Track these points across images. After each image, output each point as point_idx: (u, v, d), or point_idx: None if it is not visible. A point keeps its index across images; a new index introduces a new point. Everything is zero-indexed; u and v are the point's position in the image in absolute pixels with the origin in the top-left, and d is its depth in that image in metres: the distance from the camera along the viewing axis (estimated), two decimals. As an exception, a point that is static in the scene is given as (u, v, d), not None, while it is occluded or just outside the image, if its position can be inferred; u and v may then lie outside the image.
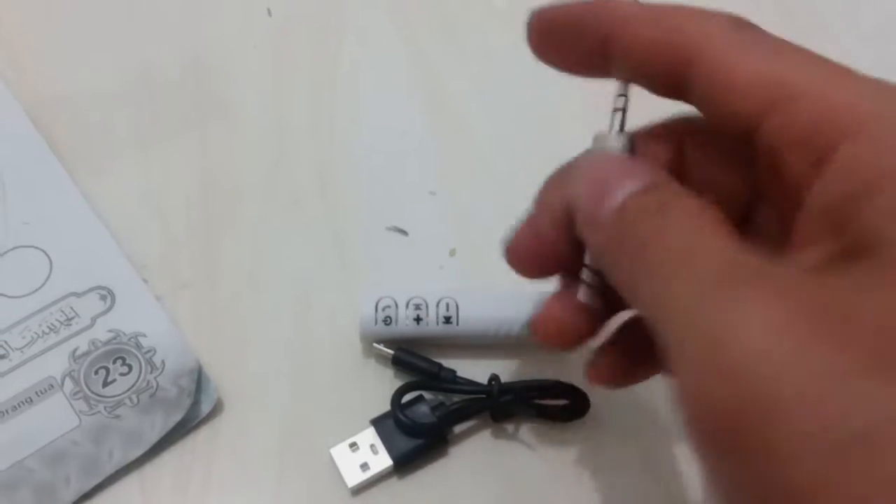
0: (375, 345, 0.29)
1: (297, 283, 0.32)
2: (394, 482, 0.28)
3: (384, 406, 0.28)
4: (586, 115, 0.37)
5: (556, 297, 0.24)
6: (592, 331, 0.24)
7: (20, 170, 0.33)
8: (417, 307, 0.29)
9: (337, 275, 0.32)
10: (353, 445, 0.28)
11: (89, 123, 0.35)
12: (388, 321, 0.29)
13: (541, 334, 0.24)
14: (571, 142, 0.36)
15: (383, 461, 0.27)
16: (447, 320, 0.29)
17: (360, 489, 0.27)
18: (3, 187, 0.32)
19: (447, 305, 0.29)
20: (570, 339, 0.24)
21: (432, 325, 0.29)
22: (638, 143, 0.23)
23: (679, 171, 0.22)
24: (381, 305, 0.29)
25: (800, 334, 0.15)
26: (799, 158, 0.18)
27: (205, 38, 0.38)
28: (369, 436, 0.28)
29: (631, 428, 0.29)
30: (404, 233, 0.33)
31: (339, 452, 0.28)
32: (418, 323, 0.29)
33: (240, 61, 0.38)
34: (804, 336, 0.15)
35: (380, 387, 0.29)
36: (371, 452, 0.27)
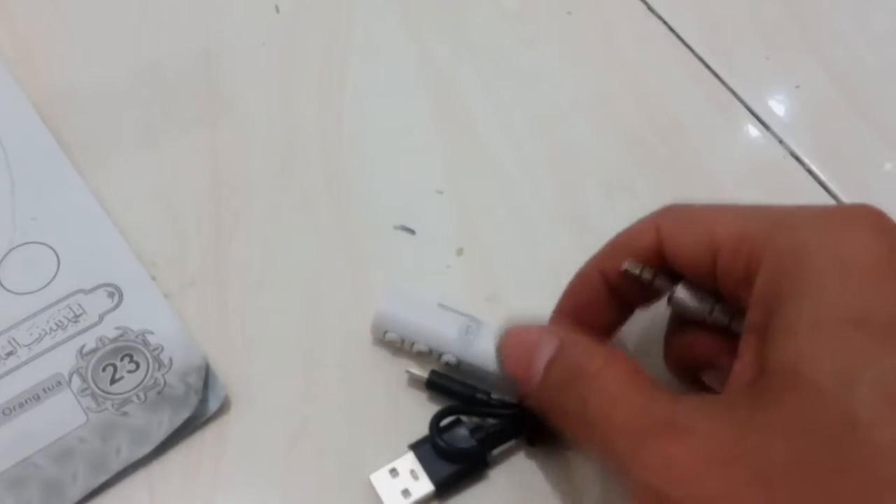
0: (408, 369, 0.29)
1: (305, 281, 0.32)
2: None
3: (418, 429, 0.28)
4: (593, 114, 0.37)
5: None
6: None
7: (29, 166, 0.33)
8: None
9: (345, 273, 0.32)
10: (393, 471, 0.27)
11: (99, 120, 0.35)
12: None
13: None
14: (578, 141, 0.36)
15: (424, 487, 0.27)
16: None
17: None
18: (11, 184, 0.32)
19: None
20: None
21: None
22: None
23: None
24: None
25: (716, 477, 0.19)
26: (742, 286, 0.23)
27: (213, 36, 0.38)
28: (409, 461, 0.27)
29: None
30: (412, 232, 0.33)
31: (380, 479, 0.27)
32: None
33: (248, 58, 0.38)
34: (721, 479, 0.19)
35: (414, 410, 0.29)
36: (411, 478, 0.27)
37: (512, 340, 0.26)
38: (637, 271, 0.26)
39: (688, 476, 0.19)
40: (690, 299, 0.25)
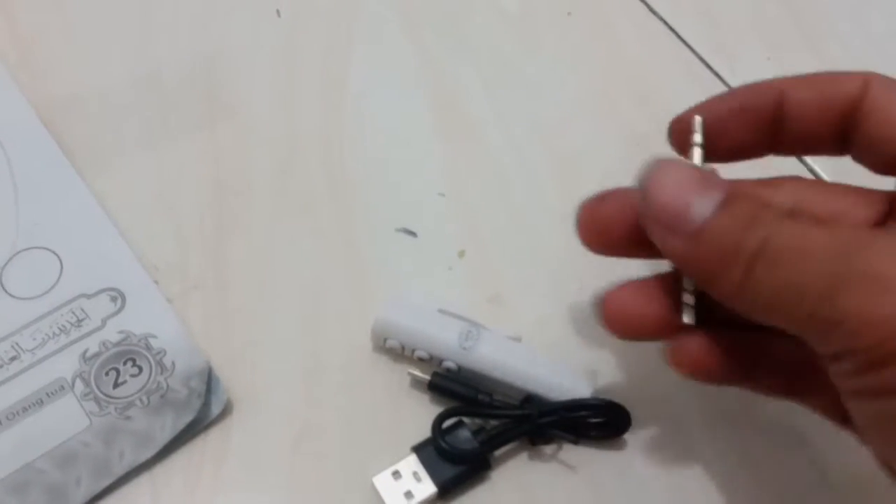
0: (410, 371, 0.29)
1: (307, 285, 0.32)
2: None
3: (420, 431, 0.28)
4: (593, 115, 0.37)
5: (633, 287, 0.25)
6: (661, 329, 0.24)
7: (31, 171, 0.33)
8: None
9: (347, 276, 0.32)
10: (396, 474, 0.27)
11: (101, 125, 0.35)
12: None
13: (611, 324, 0.24)
14: (579, 142, 0.36)
15: (427, 489, 0.27)
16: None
17: None
18: (14, 189, 0.33)
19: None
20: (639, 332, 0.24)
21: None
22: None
23: None
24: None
25: None
26: None
27: (215, 41, 0.38)
28: (412, 463, 0.27)
29: (673, 442, 0.29)
30: (414, 234, 0.33)
31: (382, 481, 0.27)
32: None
33: (249, 63, 0.38)
34: None
35: (416, 412, 0.29)
36: (414, 480, 0.27)
37: (666, 176, 0.22)
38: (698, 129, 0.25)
39: None
40: None
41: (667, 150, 0.35)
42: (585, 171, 0.35)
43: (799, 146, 0.25)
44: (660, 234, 0.22)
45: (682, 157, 0.25)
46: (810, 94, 0.23)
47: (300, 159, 0.35)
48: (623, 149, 0.36)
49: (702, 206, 0.21)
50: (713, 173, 0.22)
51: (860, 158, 0.24)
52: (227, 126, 0.36)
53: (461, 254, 0.33)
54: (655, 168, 0.22)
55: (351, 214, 0.34)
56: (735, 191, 0.21)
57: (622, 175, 0.35)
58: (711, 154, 0.24)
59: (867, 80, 0.23)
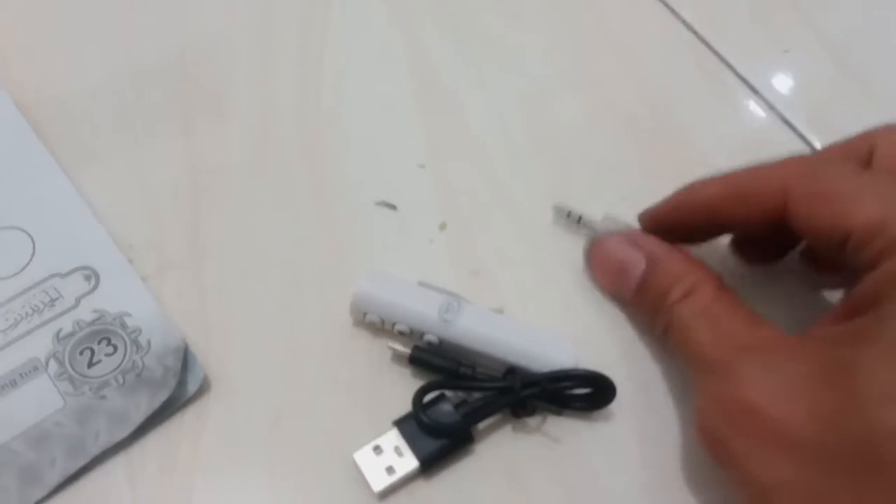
0: (391, 345, 0.28)
1: (284, 260, 0.31)
2: (420, 484, 0.27)
3: (401, 406, 0.27)
4: (577, 86, 0.37)
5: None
6: None
7: (3, 151, 0.33)
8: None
9: (326, 251, 0.31)
10: (377, 449, 0.27)
11: (74, 106, 0.35)
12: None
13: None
14: (563, 114, 0.35)
15: (409, 463, 0.27)
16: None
17: (386, 493, 0.27)
18: (-18, 167, 0.32)
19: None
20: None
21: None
22: None
23: None
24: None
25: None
26: (860, 269, 0.23)
27: (189, 18, 0.37)
28: (393, 438, 0.27)
29: (660, 412, 0.28)
30: (393, 207, 0.33)
31: (363, 457, 0.27)
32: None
33: (224, 40, 0.37)
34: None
35: (398, 386, 0.28)
36: (396, 455, 0.27)
37: (600, 256, 0.30)
38: (566, 214, 0.31)
39: (782, 390, 0.22)
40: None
41: (649, 121, 0.35)
42: (569, 143, 0.35)
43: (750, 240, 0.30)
44: (610, 287, 0.30)
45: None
46: (735, 212, 0.26)
47: (276, 134, 0.34)
48: (608, 119, 0.35)
49: (636, 264, 0.28)
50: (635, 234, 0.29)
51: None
52: (201, 103, 0.35)
53: (442, 226, 0.32)
54: (596, 242, 0.30)
55: (329, 189, 0.33)
56: (653, 257, 0.28)
57: (606, 146, 0.35)
58: (671, 241, 0.29)
59: (785, 188, 0.25)
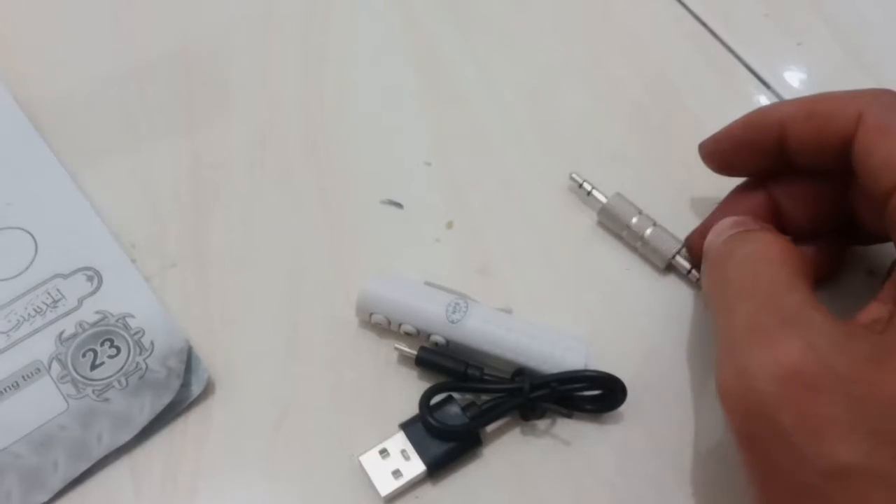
0: (397, 346, 0.28)
1: (289, 260, 0.31)
2: (428, 487, 0.26)
3: (408, 408, 0.27)
4: (584, 78, 0.36)
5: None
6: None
7: (4, 150, 0.32)
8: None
9: (330, 250, 0.31)
10: (384, 452, 0.26)
11: (76, 104, 0.34)
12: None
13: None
14: (570, 106, 0.35)
15: (416, 467, 0.26)
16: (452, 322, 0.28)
17: (393, 497, 0.26)
18: (-17, 167, 0.32)
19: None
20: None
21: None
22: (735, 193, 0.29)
23: (773, 211, 0.28)
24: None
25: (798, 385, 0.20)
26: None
27: (192, 11, 0.37)
28: (399, 441, 0.26)
29: (671, 415, 0.28)
30: (399, 206, 0.32)
31: (369, 460, 0.26)
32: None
33: (228, 35, 0.36)
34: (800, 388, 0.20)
35: (404, 388, 0.28)
36: (402, 458, 0.26)
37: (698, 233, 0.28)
38: (578, 184, 0.31)
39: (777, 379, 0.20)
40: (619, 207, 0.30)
41: (658, 113, 0.34)
42: (576, 136, 0.34)
43: (808, 169, 0.26)
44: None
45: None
46: (807, 131, 0.25)
47: (280, 131, 0.34)
48: (615, 111, 0.35)
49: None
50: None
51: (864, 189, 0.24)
52: (203, 99, 0.34)
53: (449, 225, 0.32)
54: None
55: (334, 187, 0.32)
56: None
57: (614, 139, 0.34)
58: (729, 172, 0.29)
59: (862, 113, 0.23)
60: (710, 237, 0.26)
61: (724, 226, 0.26)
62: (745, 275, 0.23)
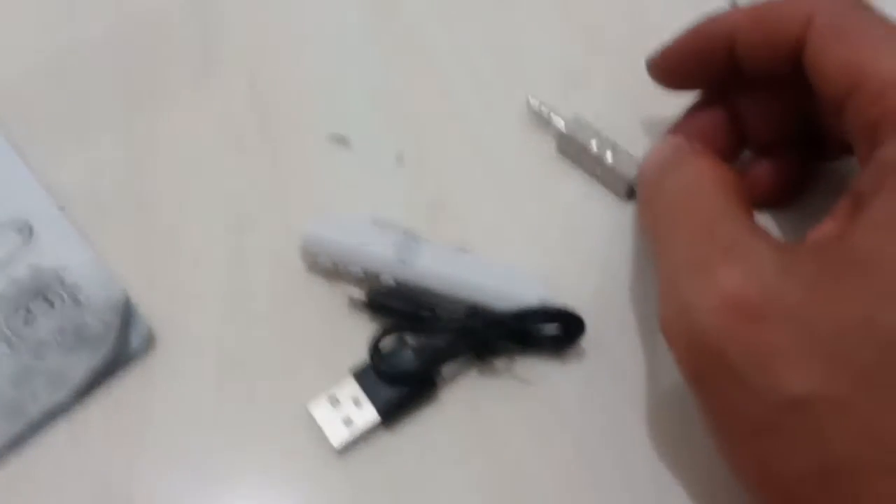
0: (347, 291, 0.27)
1: (230, 205, 0.29)
2: (383, 436, 0.25)
3: (361, 356, 0.26)
4: (544, 8, 0.34)
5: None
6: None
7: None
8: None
9: (274, 191, 0.29)
10: (333, 399, 0.25)
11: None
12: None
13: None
14: (523, 24, 0.33)
15: (368, 414, 0.25)
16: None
17: (347, 447, 0.25)
18: None
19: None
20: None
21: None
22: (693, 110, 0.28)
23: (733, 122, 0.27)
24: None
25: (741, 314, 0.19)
26: (863, 140, 0.21)
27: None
28: (351, 388, 0.25)
29: (635, 350, 0.26)
30: (346, 141, 0.30)
31: (319, 408, 0.25)
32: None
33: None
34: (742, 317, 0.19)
35: (356, 334, 0.26)
36: (354, 406, 0.25)
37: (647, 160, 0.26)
38: (536, 108, 0.29)
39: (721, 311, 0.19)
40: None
41: (620, 42, 0.32)
42: (532, 57, 0.32)
43: (762, 78, 0.25)
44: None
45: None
46: (757, 37, 0.24)
47: (217, 66, 0.32)
48: (576, 44, 0.32)
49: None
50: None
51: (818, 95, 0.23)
52: (136, 34, 0.32)
53: (399, 158, 0.30)
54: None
55: (277, 124, 0.31)
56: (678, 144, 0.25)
57: (572, 60, 0.32)
58: (679, 86, 0.27)
59: (811, 15, 0.22)
60: (643, 166, 0.25)
61: (656, 152, 0.24)
62: (678, 206, 0.22)
